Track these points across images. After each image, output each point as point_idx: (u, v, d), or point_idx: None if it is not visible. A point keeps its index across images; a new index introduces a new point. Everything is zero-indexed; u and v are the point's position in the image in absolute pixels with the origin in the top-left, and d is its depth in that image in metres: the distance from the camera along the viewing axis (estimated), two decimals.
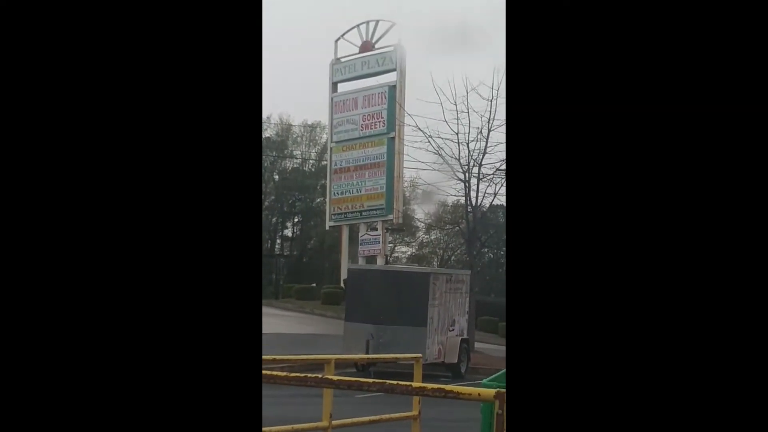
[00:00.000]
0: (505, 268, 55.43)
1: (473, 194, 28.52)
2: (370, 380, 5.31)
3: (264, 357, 4.23)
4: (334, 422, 7.75)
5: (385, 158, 35.95)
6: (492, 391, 4.57)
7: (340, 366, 16.27)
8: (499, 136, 28.34)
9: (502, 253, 55.61)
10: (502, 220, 47.67)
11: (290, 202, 57.80)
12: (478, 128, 28.08)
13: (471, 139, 28.02)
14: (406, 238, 56.32)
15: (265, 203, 53.09)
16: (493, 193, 29.31)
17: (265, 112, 48.35)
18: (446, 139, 28.19)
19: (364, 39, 37.49)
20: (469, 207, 29.02)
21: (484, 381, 7.16)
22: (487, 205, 30.70)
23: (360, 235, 38.01)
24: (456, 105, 27.85)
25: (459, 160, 28.15)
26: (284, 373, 5.43)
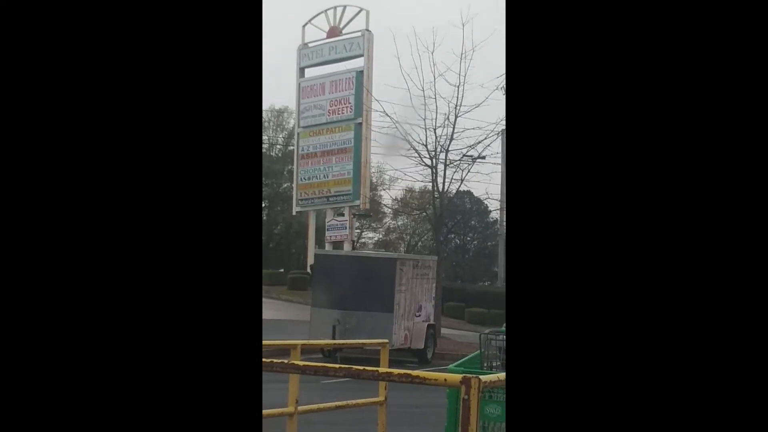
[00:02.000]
0: (471, 254, 55.39)
1: (440, 180, 28.35)
2: (337, 366, 5.27)
3: None
4: (300, 408, 7.69)
5: (353, 144, 35.76)
6: (458, 377, 4.55)
7: (307, 351, 16.22)
8: (466, 122, 28.43)
9: (468, 239, 55.78)
10: (469, 206, 47.61)
11: None
12: (445, 114, 27.91)
13: (438, 125, 27.83)
14: (373, 224, 56.26)
15: None
16: (460, 179, 29.29)
17: None
18: (413, 125, 28.03)
19: (332, 24, 37.22)
20: (436, 193, 28.86)
21: (451, 366, 7.18)
22: (454, 191, 30.73)
23: (327, 220, 37.86)
24: (423, 91, 27.74)
25: (426, 146, 28.06)
26: None
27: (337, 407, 8.82)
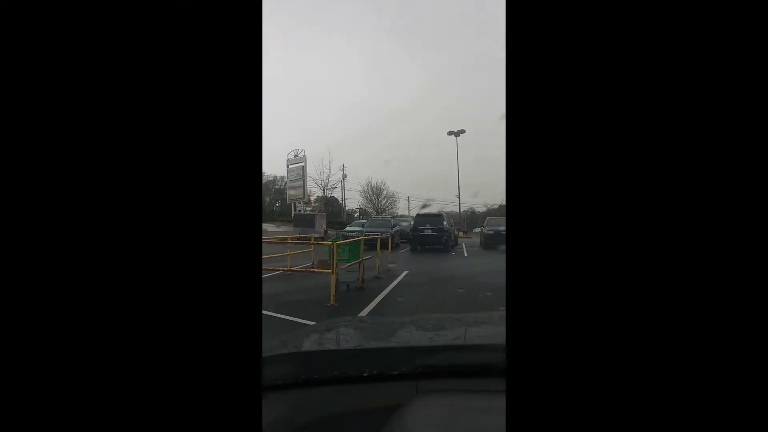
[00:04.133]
0: (333, 212, 54.92)
1: (327, 193, 45.98)
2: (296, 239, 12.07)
3: None
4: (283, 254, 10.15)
5: (302, 184, 52.07)
6: (330, 242, 7.59)
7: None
8: (333, 182, 47.04)
9: (332, 209, 57.38)
10: (335, 200, 54.53)
11: None
12: (326, 180, 45.88)
13: (324, 184, 45.13)
14: (306, 205, 69.58)
15: None
16: (331, 194, 47.79)
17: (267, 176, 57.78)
18: (318, 181, 44.07)
19: (296, 153, 55.72)
20: (325, 197, 46.63)
21: (331, 239, 9.47)
22: (329, 196, 47.77)
23: (295, 204, 44.06)
24: (323, 172, 45.62)
25: (323, 188, 45.99)
26: None
27: (295, 253, 11.12)
